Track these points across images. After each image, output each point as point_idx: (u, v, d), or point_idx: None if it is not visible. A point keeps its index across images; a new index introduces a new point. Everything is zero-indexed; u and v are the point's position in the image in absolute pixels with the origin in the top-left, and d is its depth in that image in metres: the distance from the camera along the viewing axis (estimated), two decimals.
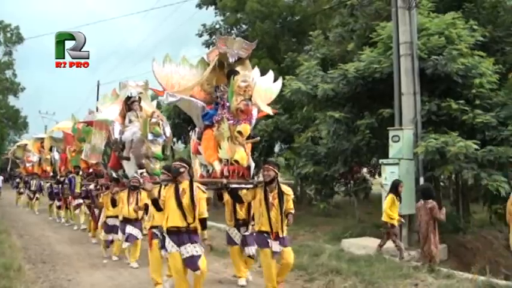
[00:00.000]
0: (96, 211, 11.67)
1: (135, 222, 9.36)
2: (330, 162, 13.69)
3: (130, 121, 9.81)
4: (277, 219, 6.46)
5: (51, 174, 19.05)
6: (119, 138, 9.71)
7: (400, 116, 11.30)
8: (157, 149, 9.38)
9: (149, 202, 6.87)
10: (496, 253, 9.73)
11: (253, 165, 7.25)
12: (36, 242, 12.62)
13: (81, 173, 14.42)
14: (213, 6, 23.26)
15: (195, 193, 6.07)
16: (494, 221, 12.29)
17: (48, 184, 19.00)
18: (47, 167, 19.90)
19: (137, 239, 9.31)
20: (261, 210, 6.57)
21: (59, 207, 17.44)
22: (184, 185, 6.10)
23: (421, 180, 10.88)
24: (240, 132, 6.96)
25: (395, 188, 9.75)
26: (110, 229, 10.08)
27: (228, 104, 7.08)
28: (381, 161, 11.65)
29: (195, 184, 6.19)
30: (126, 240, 9.25)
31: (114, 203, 9.69)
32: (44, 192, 20.62)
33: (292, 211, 6.66)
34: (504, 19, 13.42)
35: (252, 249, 7.59)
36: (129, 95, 9.90)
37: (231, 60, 7.45)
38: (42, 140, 21.08)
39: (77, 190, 14.36)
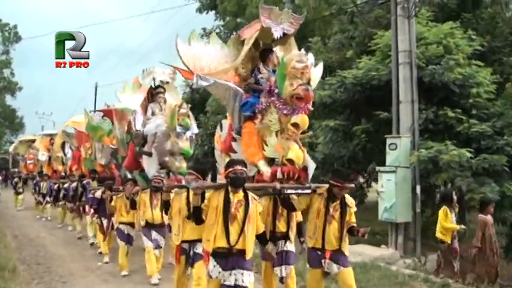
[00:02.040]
0: (105, 222, 10.23)
1: (160, 228, 8.19)
2: (326, 168, 13.71)
3: (153, 113, 8.94)
4: (336, 234, 5.42)
5: (62, 174, 17.13)
6: (141, 130, 8.78)
7: (397, 123, 11.34)
8: (185, 145, 8.12)
9: (170, 206, 6.21)
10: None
11: (312, 165, 5.74)
12: (31, 243, 12.59)
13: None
14: (213, 11, 23.34)
15: (251, 206, 4.94)
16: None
17: (56, 186, 16.66)
18: (58, 166, 17.87)
19: (160, 247, 8.22)
20: (317, 222, 5.47)
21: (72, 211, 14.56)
22: (240, 195, 4.95)
23: (418, 189, 10.91)
24: (295, 125, 5.53)
25: (449, 197, 8.77)
26: (126, 238, 8.84)
27: (277, 90, 5.70)
28: (377, 168, 11.69)
29: (250, 194, 5.03)
30: (155, 248, 8.06)
31: (134, 205, 8.35)
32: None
33: (355, 224, 5.57)
34: (502, 30, 13.52)
35: (284, 270, 6.20)
36: (153, 85, 9.16)
37: (276, 36, 6.12)
38: (51, 136, 19.34)
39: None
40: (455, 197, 8.76)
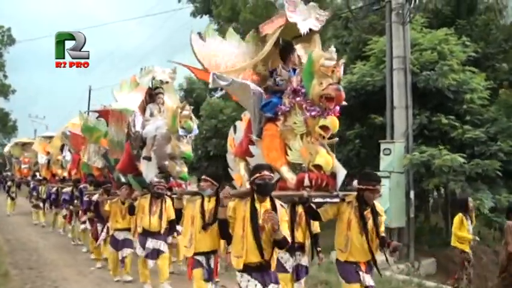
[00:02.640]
0: (99, 226, 9.70)
1: (158, 234, 7.67)
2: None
3: (151, 114, 8.46)
4: (372, 245, 4.96)
5: (62, 177, 16.13)
6: (140, 132, 8.28)
7: (391, 129, 11.37)
8: (186, 148, 7.79)
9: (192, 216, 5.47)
10: (485, 268, 9.77)
11: (343, 172, 5.21)
12: (23, 247, 12.49)
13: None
14: (208, 15, 23.35)
15: (279, 214, 4.46)
16: (482, 236, 12.36)
17: (54, 189, 15.75)
18: (58, 170, 16.74)
19: (163, 252, 7.64)
20: (349, 234, 4.98)
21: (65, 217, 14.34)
22: (266, 204, 4.54)
23: (411, 194, 10.94)
24: (325, 128, 5.01)
25: (463, 204, 8.45)
26: (121, 244, 8.44)
27: (303, 90, 5.20)
28: None
29: (277, 202, 4.62)
30: (147, 257, 7.59)
31: (132, 210, 7.81)
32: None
33: (384, 234, 5.08)
34: (496, 36, 13.62)
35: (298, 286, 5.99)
36: (151, 85, 8.68)
37: (302, 32, 5.64)
38: (50, 139, 18.24)
39: None
40: (471, 204, 8.41)
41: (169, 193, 7.69)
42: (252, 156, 5.95)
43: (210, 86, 5.53)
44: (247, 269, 4.45)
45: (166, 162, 7.86)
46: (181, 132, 7.53)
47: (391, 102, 11.38)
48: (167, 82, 8.68)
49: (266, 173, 4.50)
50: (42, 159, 18.68)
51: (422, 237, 12.39)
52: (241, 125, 6.92)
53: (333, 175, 5.16)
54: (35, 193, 18.25)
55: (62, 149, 16.22)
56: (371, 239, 4.94)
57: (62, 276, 9.01)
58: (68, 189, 13.77)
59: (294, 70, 5.73)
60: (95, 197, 9.85)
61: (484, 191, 9.99)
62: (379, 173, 11.08)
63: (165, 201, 7.69)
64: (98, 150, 11.24)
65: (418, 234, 11.81)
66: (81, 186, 12.12)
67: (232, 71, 5.70)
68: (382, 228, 5.03)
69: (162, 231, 7.68)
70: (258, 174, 4.50)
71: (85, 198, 10.71)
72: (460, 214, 8.34)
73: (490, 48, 13.33)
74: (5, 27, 44.28)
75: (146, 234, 7.62)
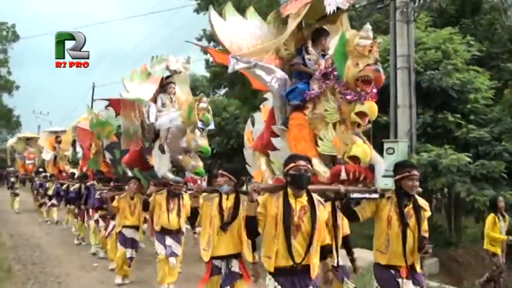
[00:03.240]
0: (112, 223, 9.25)
1: (176, 234, 7.47)
2: None
3: (163, 105, 8.13)
4: (412, 246, 4.41)
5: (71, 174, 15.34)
6: (153, 124, 7.89)
7: (395, 128, 11.34)
8: (203, 142, 7.36)
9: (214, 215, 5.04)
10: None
11: (382, 164, 4.72)
12: (27, 242, 12.55)
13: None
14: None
15: (318, 212, 4.04)
16: None
17: (64, 186, 14.86)
18: (65, 166, 16.42)
19: (177, 255, 7.45)
20: (390, 233, 4.44)
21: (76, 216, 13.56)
22: (303, 199, 4.05)
23: None
24: (362, 114, 4.49)
25: (494, 204, 8.21)
26: (128, 243, 8.16)
27: (335, 72, 4.68)
28: None
29: (315, 197, 4.13)
30: (171, 255, 7.30)
31: (146, 207, 7.56)
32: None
33: (427, 234, 4.57)
34: (501, 36, 13.58)
35: None
36: (165, 75, 8.27)
37: (329, 11, 5.07)
38: (57, 134, 17.82)
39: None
40: (501, 204, 8.13)
41: (185, 189, 7.52)
42: (275, 149, 5.48)
43: (230, 69, 4.97)
44: (278, 272, 3.98)
45: (181, 157, 7.44)
46: (199, 124, 7.11)
47: (394, 101, 11.34)
48: (180, 72, 8.25)
49: (302, 162, 4.01)
50: (48, 155, 18.00)
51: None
52: (260, 117, 6.53)
53: (371, 167, 4.69)
54: (42, 190, 17.76)
55: (73, 144, 15.93)
56: (414, 239, 4.41)
57: (65, 271, 9.06)
58: (75, 186, 13.38)
59: (324, 56, 5.31)
60: (104, 194, 9.51)
61: (489, 190, 9.97)
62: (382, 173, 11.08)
63: (182, 198, 7.45)
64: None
65: None
66: (89, 184, 11.74)
67: (254, 52, 5.17)
68: (425, 227, 4.55)
69: (183, 228, 7.55)
70: (292, 164, 4.00)
71: (96, 196, 10.36)
72: (492, 214, 8.11)
73: (495, 47, 13.29)
74: (9, 23, 44.40)
75: (164, 232, 7.34)
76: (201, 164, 7.48)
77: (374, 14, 14.63)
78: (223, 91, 24.06)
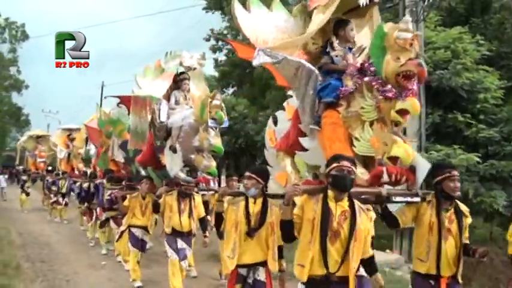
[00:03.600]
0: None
1: (187, 236, 7.15)
2: None
3: (176, 102, 7.75)
4: (454, 254, 4.11)
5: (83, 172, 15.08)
6: (165, 122, 7.56)
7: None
8: (216, 141, 7.09)
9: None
10: (496, 270, 9.70)
11: (425, 166, 4.39)
12: (35, 240, 12.58)
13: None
14: (220, 12, 23.36)
15: (359, 219, 3.72)
16: (494, 237, 12.27)
17: (77, 184, 14.15)
18: (78, 164, 16.16)
19: (186, 258, 7.15)
20: (431, 239, 4.14)
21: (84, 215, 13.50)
22: (344, 203, 3.76)
23: None
24: (403, 112, 4.21)
25: None
26: (141, 244, 7.99)
27: (372, 68, 4.37)
28: None
29: (357, 204, 3.82)
30: (182, 259, 7.02)
31: (157, 208, 7.21)
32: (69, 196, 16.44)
33: (468, 241, 4.27)
34: (510, 35, 13.51)
35: None
36: (178, 71, 7.88)
37: (362, 3, 4.77)
38: (70, 131, 17.41)
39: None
40: None
41: (196, 189, 7.26)
42: (303, 150, 5.12)
43: (255, 63, 4.61)
44: (311, 282, 3.69)
45: (193, 156, 7.12)
46: (211, 123, 6.77)
47: None
48: (195, 68, 7.91)
49: (346, 163, 3.72)
50: (61, 152, 17.65)
51: None
52: (283, 115, 6.14)
53: (412, 168, 4.36)
54: (54, 188, 16.98)
55: (86, 142, 15.94)
56: (456, 247, 4.12)
57: (73, 270, 9.07)
58: (84, 185, 13.04)
59: (350, 49, 5.01)
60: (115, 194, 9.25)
61: (498, 190, 9.93)
62: None
63: (194, 199, 7.15)
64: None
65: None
66: (97, 182, 11.50)
67: (281, 46, 4.80)
68: (466, 234, 4.26)
69: (194, 231, 7.22)
70: (335, 164, 3.73)
71: (106, 196, 10.06)
72: None
73: (504, 47, 13.22)
74: (18, 23, 44.66)
75: (176, 234, 7.00)
76: (214, 163, 7.22)
77: (383, 13, 14.57)
78: (231, 90, 24.12)
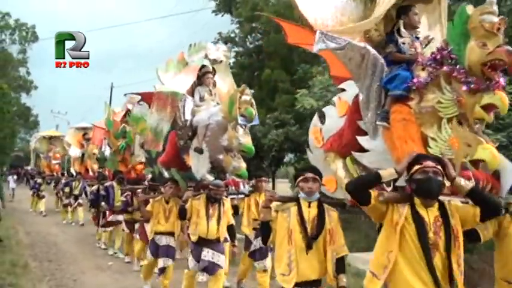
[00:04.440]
0: (147, 227, 8.19)
1: (216, 244, 6.34)
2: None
3: (201, 99, 7.08)
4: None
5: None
6: (190, 120, 6.96)
7: None
8: (246, 140, 6.56)
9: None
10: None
11: (510, 171, 3.68)
12: (43, 240, 12.69)
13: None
14: (229, 14, 23.43)
15: (452, 221, 3.24)
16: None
17: (94, 187, 12.75)
18: (93, 164, 14.89)
19: (220, 268, 6.28)
20: None
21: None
22: (434, 209, 3.29)
23: None
24: (489, 108, 3.65)
25: None
26: (162, 252, 7.09)
27: (453, 55, 3.73)
28: None
29: (448, 204, 3.35)
30: (203, 270, 6.33)
31: (183, 214, 6.44)
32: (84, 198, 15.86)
33: None
34: None
35: None
36: (203, 63, 7.21)
37: None
38: (85, 130, 16.61)
39: (117, 203, 10.54)
40: None
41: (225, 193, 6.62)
42: (362, 150, 4.45)
43: (316, 48, 3.99)
44: None
45: (221, 156, 6.59)
46: (241, 120, 6.18)
47: None
48: (221, 61, 7.31)
49: (430, 163, 3.24)
50: (75, 152, 16.87)
51: None
52: (333, 111, 5.26)
53: (496, 174, 3.72)
54: (67, 189, 16.44)
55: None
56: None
57: (80, 269, 9.15)
58: (93, 187, 12.68)
59: (417, 38, 4.48)
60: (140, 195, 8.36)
61: (507, 194, 9.89)
62: None
63: (223, 204, 6.46)
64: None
65: None
66: (107, 184, 10.94)
67: (345, 30, 4.21)
68: None
69: (222, 239, 6.45)
70: (418, 167, 3.25)
71: (122, 198, 9.81)
72: None
73: None
74: (29, 24, 44.96)
75: (202, 243, 6.27)
76: (243, 165, 6.74)
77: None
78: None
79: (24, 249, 10.92)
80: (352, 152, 4.55)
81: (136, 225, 9.18)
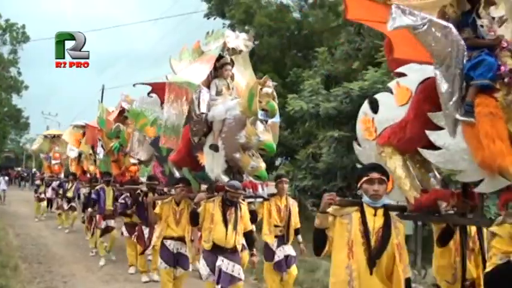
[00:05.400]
0: (146, 231, 8.21)
1: (233, 252, 5.65)
2: (329, 177, 13.78)
3: (218, 93, 6.32)
4: None
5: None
6: (205, 115, 6.12)
7: None
8: (267, 137, 5.72)
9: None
10: None
11: None
12: (33, 241, 12.64)
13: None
14: (222, 18, 23.45)
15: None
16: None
17: (86, 190, 12.43)
18: (90, 166, 13.57)
19: (240, 280, 5.65)
20: None
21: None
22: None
23: None
24: None
25: None
26: (175, 258, 6.48)
27: None
28: None
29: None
30: (218, 283, 5.51)
31: (195, 220, 5.81)
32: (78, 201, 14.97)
33: None
34: None
35: None
36: (221, 53, 6.37)
37: None
38: (84, 128, 14.92)
39: (108, 207, 10.14)
40: None
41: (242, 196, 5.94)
42: (432, 147, 3.66)
43: (391, 26, 3.36)
44: None
45: (238, 155, 5.80)
46: (261, 115, 5.52)
47: None
48: (241, 51, 6.52)
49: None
50: (72, 152, 15.49)
51: (430, 245, 12.37)
52: (390, 99, 4.40)
53: None
54: (61, 191, 15.61)
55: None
56: None
57: (70, 271, 9.13)
58: (84, 190, 12.21)
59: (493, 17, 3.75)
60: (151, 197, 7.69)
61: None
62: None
63: (240, 207, 5.81)
64: (144, 140, 9.10)
65: (426, 242, 11.78)
66: (98, 187, 10.40)
67: (425, 4, 3.63)
68: None
69: (239, 247, 5.77)
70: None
71: (120, 200, 9.35)
72: None
73: None
74: (19, 24, 44.75)
75: (217, 251, 5.62)
76: (263, 164, 5.90)
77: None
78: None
79: (14, 251, 10.87)
80: (419, 149, 3.79)
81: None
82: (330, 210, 3.44)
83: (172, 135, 6.64)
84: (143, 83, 8.06)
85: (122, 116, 10.34)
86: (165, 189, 7.65)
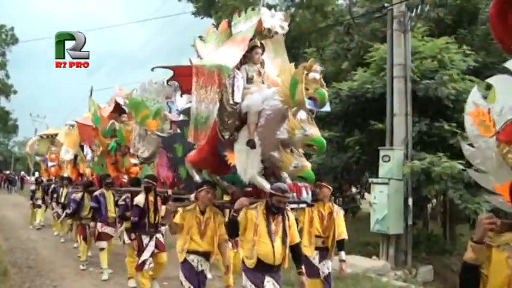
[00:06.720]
0: (145, 239, 7.44)
1: (277, 272, 4.72)
2: (319, 178, 13.81)
3: (249, 80, 5.29)
4: None
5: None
6: (240, 104, 5.09)
7: (391, 136, 11.43)
8: (314, 131, 4.78)
9: None
10: None
11: None
12: (23, 245, 12.54)
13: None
14: (209, 18, 23.47)
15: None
16: None
17: (78, 195, 10.55)
18: (86, 168, 12.09)
19: None
20: None
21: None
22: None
23: (410, 201, 10.98)
24: None
25: None
26: (199, 279, 5.47)
27: None
28: (370, 180, 11.79)
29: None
30: None
31: (235, 231, 4.84)
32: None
33: None
34: (497, 46, 13.65)
35: None
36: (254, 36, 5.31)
37: None
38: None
39: (111, 213, 9.25)
40: None
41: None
42: None
43: None
44: None
45: (276, 154, 4.91)
46: (309, 104, 4.48)
47: (391, 109, 11.45)
48: (276, 33, 5.52)
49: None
50: (67, 154, 13.96)
51: (420, 244, 12.45)
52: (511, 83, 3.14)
53: None
54: (55, 196, 14.31)
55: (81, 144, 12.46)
56: None
57: (60, 275, 9.07)
58: (76, 195, 10.62)
59: None
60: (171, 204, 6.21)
61: (482, 196, 10.07)
62: (378, 180, 11.20)
63: (288, 216, 4.83)
64: (145, 135, 8.09)
65: (416, 241, 11.86)
66: (97, 192, 9.44)
67: None
68: None
69: (286, 264, 4.81)
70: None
71: (120, 202, 8.44)
72: None
73: (491, 57, 13.41)
74: (7, 26, 44.49)
75: (262, 269, 4.64)
76: (308, 164, 5.08)
77: (372, 22, 14.76)
78: None
79: (3, 255, 10.76)
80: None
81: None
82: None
83: (202, 129, 5.32)
84: (164, 67, 6.40)
85: (116, 112, 9.81)
86: (186, 196, 6.22)
